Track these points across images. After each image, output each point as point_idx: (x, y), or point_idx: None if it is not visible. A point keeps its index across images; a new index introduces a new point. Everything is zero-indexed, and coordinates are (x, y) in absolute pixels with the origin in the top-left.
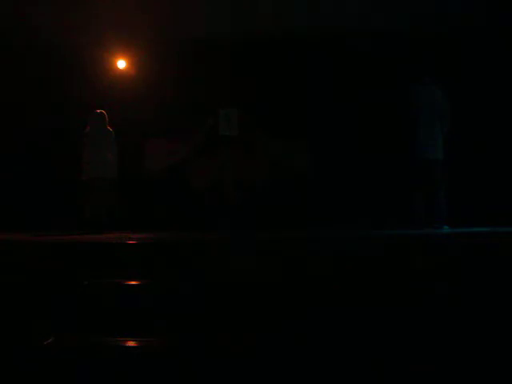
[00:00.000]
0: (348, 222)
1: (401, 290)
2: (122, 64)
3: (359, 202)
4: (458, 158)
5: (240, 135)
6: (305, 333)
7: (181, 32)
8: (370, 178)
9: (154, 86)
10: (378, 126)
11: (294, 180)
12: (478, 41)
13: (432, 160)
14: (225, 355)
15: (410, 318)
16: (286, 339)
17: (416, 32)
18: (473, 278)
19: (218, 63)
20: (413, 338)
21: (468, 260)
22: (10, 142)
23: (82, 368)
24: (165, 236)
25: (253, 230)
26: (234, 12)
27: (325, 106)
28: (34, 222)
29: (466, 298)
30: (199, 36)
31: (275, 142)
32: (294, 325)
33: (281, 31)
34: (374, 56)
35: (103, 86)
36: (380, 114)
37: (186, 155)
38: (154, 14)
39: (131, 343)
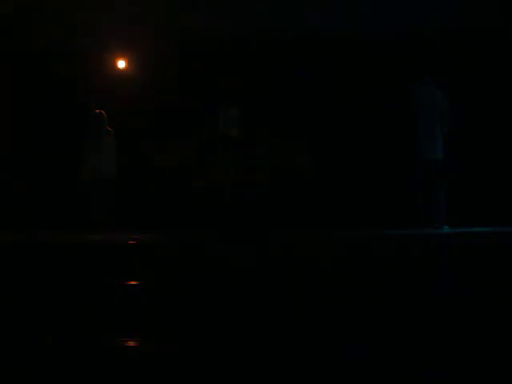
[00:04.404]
0: (348, 221)
1: (401, 289)
2: (121, 64)
3: (359, 202)
4: (457, 158)
5: (240, 135)
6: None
7: (181, 32)
8: (370, 177)
9: (154, 86)
10: (378, 125)
11: (294, 180)
12: (478, 41)
13: (432, 160)
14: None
15: (410, 319)
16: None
17: (416, 32)
18: (473, 277)
19: (218, 63)
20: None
21: (468, 260)
22: (11, 143)
23: (82, 368)
24: (164, 236)
25: (252, 230)
26: (234, 12)
27: (325, 106)
28: (35, 222)
29: (465, 298)
30: (199, 36)
31: (275, 142)
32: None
33: (281, 31)
34: (374, 56)
35: (103, 85)
36: (380, 114)
37: (186, 155)
38: (155, 13)
39: (131, 343)
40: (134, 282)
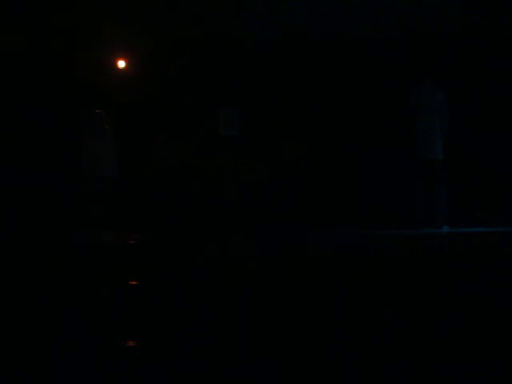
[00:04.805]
0: (348, 221)
1: (400, 289)
2: (121, 64)
3: (359, 202)
4: (458, 158)
5: (240, 135)
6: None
7: (181, 31)
8: (371, 178)
9: (154, 85)
10: (378, 126)
11: (293, 180)
12: (477, 41)
13: (432, 160)
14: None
15: (409, 319)
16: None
17: (416, 33)
18: (473, 277)
19: (218, 63)
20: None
21: (468, 260)
22: (10, 143)
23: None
24: (164, 236)
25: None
26: (234, 12)
27: (325, 107)
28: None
29: (465, 298)
30: (200, 36)
31: (275, 142)
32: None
33: (280, 31)
34: (375, 57)
35: (103, 85)
36: (380, 115)
37: (186, 155)
38: (155, 13)
39: (131, 343)
40: (133, 282)
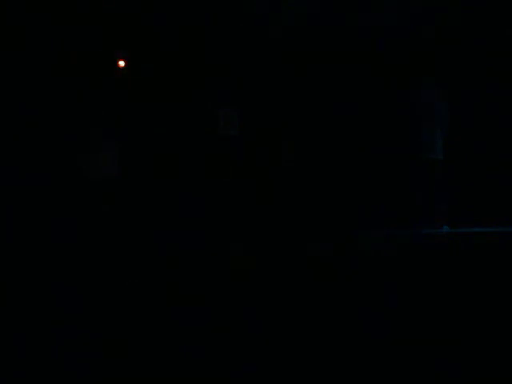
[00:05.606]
0: (348, 222)
1: (400, 289)
2: (121, 64)
3: (359, 202)
4: (458, 158)
5: (240, 135)
6: None
7: (181, 31)
8: (371, 178)
9: (154, 85)
10: (378, 126)
11: (293, 179)
12: (478, 41)
13: (432, 160)
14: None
15: (409, 319)
16: None
17: (417, 33)
18: (472, 278)
19: (218, 62)
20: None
21: (468, 260)
22: (10, 143)
23: None
24: (164, 236)
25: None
26: (234, 11)
27: (325, 107)
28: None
29: (465, 298)
30: (199, 35)
31: (275, 142)
32: None
33: (279, 31)
34: (375, 57)
35: (103, 85)
36: (381, 115)
37: (186, 155)
38: (155, 12)
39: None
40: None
